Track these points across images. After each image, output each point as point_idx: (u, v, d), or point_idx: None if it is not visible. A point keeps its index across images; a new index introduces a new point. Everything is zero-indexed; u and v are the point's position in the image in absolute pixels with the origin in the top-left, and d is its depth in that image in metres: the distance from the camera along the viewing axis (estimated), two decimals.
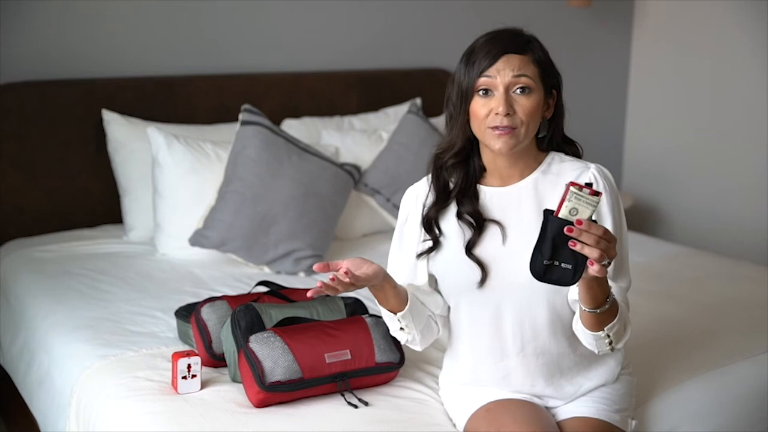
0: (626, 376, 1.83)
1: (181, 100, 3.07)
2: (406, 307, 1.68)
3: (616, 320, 1.56)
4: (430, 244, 1.71)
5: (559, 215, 1.39)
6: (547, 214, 1.40)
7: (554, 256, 1.40)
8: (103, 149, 2.92)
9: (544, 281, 1.43)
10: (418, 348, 1.77)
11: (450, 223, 1.70)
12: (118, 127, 2.89)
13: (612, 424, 1.73)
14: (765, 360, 2.13)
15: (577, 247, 1.37)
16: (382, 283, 1.64)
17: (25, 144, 2.84)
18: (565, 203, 1.38)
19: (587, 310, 1.53)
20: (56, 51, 2.94)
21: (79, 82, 2.94)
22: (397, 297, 1.68)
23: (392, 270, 1.78)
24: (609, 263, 1.42)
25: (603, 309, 1.52)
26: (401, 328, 1.71)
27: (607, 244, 1.39)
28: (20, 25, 2.86)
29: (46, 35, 2.91)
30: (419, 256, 1.72)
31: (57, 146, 2.88)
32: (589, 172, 1.68)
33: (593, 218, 1.39)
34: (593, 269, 1.39)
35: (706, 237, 3.94)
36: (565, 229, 1.37)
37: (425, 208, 1.72)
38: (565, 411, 1.76)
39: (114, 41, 3.03)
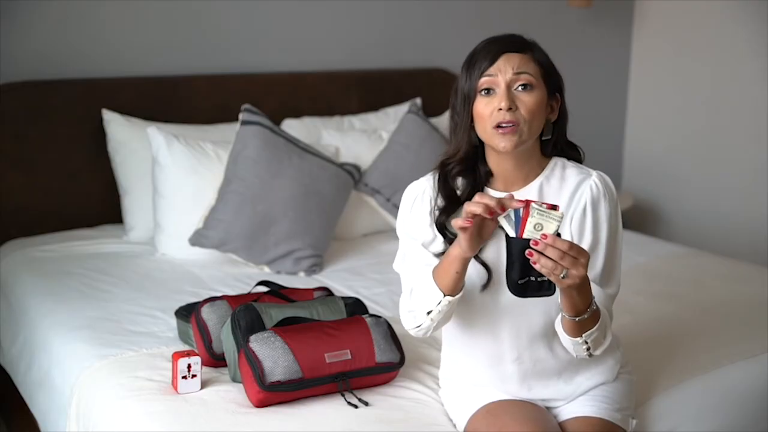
0: (626, 375, 1.83)
1: (181, 100, 3.07)
2: (458, 296, 1.61)
3: (595, 328, 1.57)
4: (442, 246, 1.68)
5: (524, 232, 1.43)
6: (509, 239, 1.45)
7: (525, 273, 1.46)
8: (103, 149, 2.92)
9: (526, 297, 1.49)
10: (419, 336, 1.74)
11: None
12: (118, 127, 2.89)
13: (613, 423, 1.73)
14: (765, 360, 2.13)
15: (537, 266, 1.43)
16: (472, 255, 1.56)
17: (25, 144, 2.84)
18: (529, 219, 1.43)
19: (567, 317, 1.55)
20: (56, 51, 2.94)
21: (79, 81, 2.94)
22: (462, 279, 1.60)
23: (418, 262, 1.70)
24: (574, 279, 1.44)
25: (582, 318, 1.54)
26: (429, 312, 1.62)
27: (573, 259, 1.42)
28: (20, 25, 2.86)
29: (46, 35, 2.91)
30: (437, 255, 1.68)
31: (57, 146, 2.88)
32: (590, 180, 1.68)
33: (558, 233, 1.43)
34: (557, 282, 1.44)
35: (706, 237, 3.94)
36: (530, 243, 1.42)
37: (437, 213, 1.69)
38: (567, 411, 1.76)
39: (114, 41, 3.03)
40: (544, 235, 1.42)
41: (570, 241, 1.44)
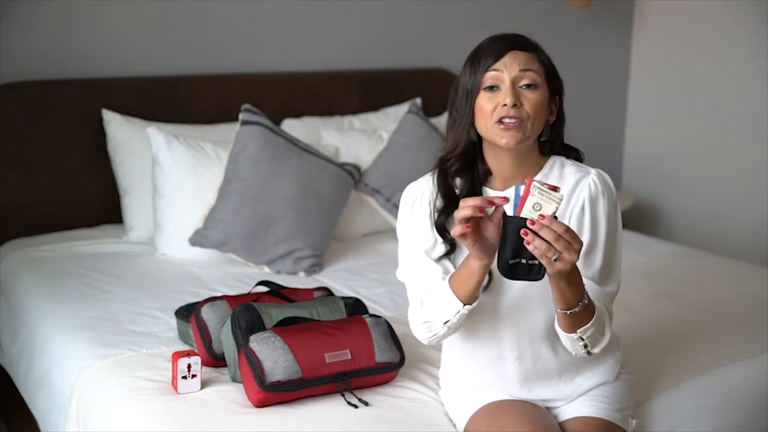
0: (626, 375, 1.83)
1: (181, 100, 3.07)
2: (476, 303, 1.60)
3: (590, 324, 1.56)
4: (443, 249, 1.67)
5: (522, 211, 1.43)
6: (506, 217, 1.45)
7: (517, 254, 1.45)
8: (103, 149, 2.92)
9: (514, 279, 1.48)
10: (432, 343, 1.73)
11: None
12: (118, 127, 2.89)
13: (613, 423, 1.73)
14: (765, 360, 2.13)
15: (530, 247, 1.42)
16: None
17: (25, 144, 2.84)
18: (529, 198, 1.42)
19: (559, 310, 1.55)
20: (56, 51, 2.94)
21: (78, 81, 2.94)
22: (480, 287, 1.59)
23: (423, 272, 1.69)
24: (565, 264, 1.43)
25: (574, 311, 1.54)
26: (446, 321, 1.61)
27: (567, 244, 1.42)
28: (20, 25, 2.86)
29: (46, 35, 2.91)
30: (438, 260, 1.68)
31: (57, 146, 2.88)
32: (589, 178, 1.68)
33: (555, 215, 1.43)
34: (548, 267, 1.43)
35: (706, 237, 3.95)
36: (527, 223, 1.41)
37: (436, 214, 1.69)
38: (567, 411, 1.76)
39: (114, 41, 3.03)
40: (541, 215, 1.41)
41: (566, 225, 1.44)
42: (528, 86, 1.62)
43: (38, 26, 2.89)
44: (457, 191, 1.70)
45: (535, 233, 1.41)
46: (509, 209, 1.46)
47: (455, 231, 1.49)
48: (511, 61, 1.62)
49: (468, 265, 1.55)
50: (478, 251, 1.51)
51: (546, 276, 1.48)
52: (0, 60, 2.83)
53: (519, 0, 3.83)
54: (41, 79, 2.89)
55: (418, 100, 3.37)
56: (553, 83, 1.67)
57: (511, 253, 1.44)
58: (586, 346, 1.60)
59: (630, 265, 2.68)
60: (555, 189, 1.43)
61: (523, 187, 1.43)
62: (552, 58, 1.69)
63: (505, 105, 1.60)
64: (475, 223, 1.49)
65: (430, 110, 3.38)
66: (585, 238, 1.66)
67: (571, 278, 1.49)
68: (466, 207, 1.47)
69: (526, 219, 1.42)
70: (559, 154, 1.74)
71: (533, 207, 1.42)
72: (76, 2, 2.94)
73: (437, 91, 3.43)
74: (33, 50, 2.90)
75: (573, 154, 1.74)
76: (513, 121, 1.60)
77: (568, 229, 1.42)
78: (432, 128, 3.15)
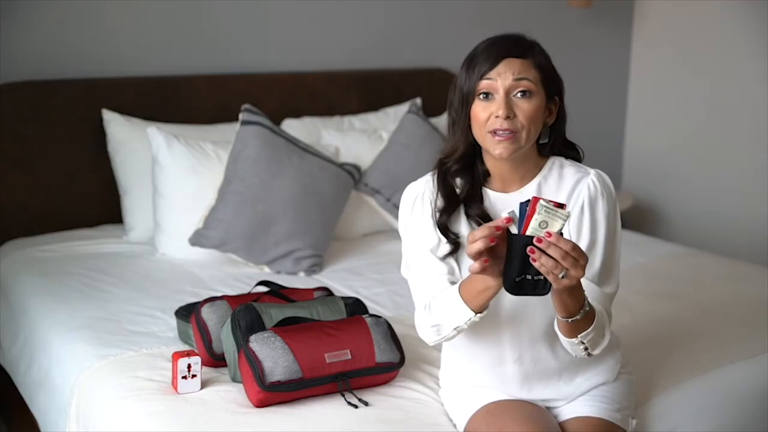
0: (626, 375, 1.83)
1: (181, 100, 3.07)
2: (486, 311, 1.59)
3: (591, 329, 1.56)
4: (447, 248, 1.68)
5: (528, 229, 1.41)
6: (510, 235, 1.43)
7: (523, 271, 1.43)
8: (103, 149, 2.92)
9: (520, 294, 1.47)
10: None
11: (461, 227, 1.70)
12: (118, 127, 2.89)
13: (613, 423, 1.73)
14: (765, 360, 2.13)
15: (536, 264, 1.40)
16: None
17: (25, 144, 2.84)
18: (534, 216, 1.41)
19: (560, 318, 1.54)
20: (56, 51, 2.94)
21: (78, 81, 2.94)
22: (491, 299, 1.58)
23: (428, 272, 1.69)
24: (572, 280, 1.42)
25: (575, 319, 1.53)
26: (456, 328, 1.61)
27: (574, 261, 1.40)
28: (20, 25, 2.86)
29: (45, 35, 2.91)
30: (443, 258, 1.68)
31: (57, 146, 2.88)
32: (588, 178, 1.68)
33: (562, 232, 1.41)
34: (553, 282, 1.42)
35: (706, 237, 3.95)
36: (533, 241, 1.40)
37: (438, 215, 1.69)
38: (567, 411, 1.76)
39: (114, 41, 3.03)
40: (548, 233, 1.39)
41: (573, 242, 1.43)
42: (523, 94, 1.61)
43: (38, 26, 2.89)
44: (458, 190, 1.70)
45: (542, 251, 1.40)
46: (513, 227, 1.44)
47: (474, 268, 1.45)
48: (505, 69, 1.60)
49: (485, 280, 1.52)
50: (492, 275, 1.49)
51: None
52: (0, 60, 2.83)
53: (519, 0, 3.83)
54: (41, 79, 2.89)
55: (418, 100, 3.37)
56: (550, 86, 1.66)
57: (518, 271, 1.43)
58: (586, 349, 1.60)
59: (630, 265, 2.68)
60: (561, 206, 1.41)
61: (528, 205, 1.42)
62: (552, 58, 1.68)
63: (498, 116, 1.59)
64: (488, 249, 1.46)
65: (430, 110, 3.38)
66: (584, 238, 1.66)
67: (572, 290, 1.49)
68: (476, 242, 1.43)
69: (532, 237, 1.40)
70: (560, 152, 1.73)
71: (539, 225, 1.40)
72: (76, 2, 2.94)
73: (437, 91, 3.43)
74: (33, 50, 2.90)
75: (573, 153, 1.74)
76: (506, 132, 1.59)
77: (575, 247, 1.41)
78: (432, 128, 3.15)
